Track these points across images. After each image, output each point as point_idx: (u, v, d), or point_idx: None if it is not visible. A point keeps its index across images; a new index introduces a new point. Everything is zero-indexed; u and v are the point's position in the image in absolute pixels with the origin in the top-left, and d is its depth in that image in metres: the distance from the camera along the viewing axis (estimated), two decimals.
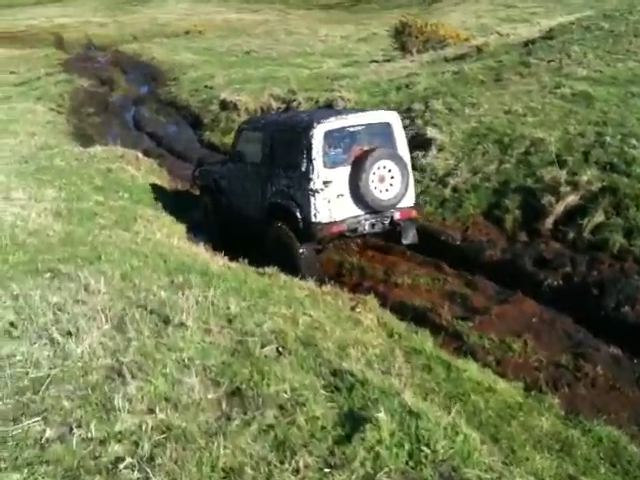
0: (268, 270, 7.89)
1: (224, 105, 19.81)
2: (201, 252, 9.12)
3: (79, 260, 7.39)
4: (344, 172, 8.26)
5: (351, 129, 8.45)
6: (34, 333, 4.48)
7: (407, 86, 15.71)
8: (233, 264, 8.59)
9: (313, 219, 8.21)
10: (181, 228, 10.62)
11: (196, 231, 10.65)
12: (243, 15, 47.72)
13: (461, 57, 18.89)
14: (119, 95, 24.86)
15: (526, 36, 20.45)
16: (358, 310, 6.49)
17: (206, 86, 23.07)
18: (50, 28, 45.62)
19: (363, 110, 10.02)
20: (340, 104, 15.80)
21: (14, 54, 34.44)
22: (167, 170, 14.77)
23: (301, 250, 8.40)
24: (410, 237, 8.73)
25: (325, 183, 8.17)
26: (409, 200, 8.69)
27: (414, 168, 10.77)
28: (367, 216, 8.40)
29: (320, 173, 8.17)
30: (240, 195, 9.88)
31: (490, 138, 10.68)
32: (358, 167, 8.16)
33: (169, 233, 9.88)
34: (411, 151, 11.32)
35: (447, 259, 8.45)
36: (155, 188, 12.62)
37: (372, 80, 18.08)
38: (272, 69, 25.26)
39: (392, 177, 8.32)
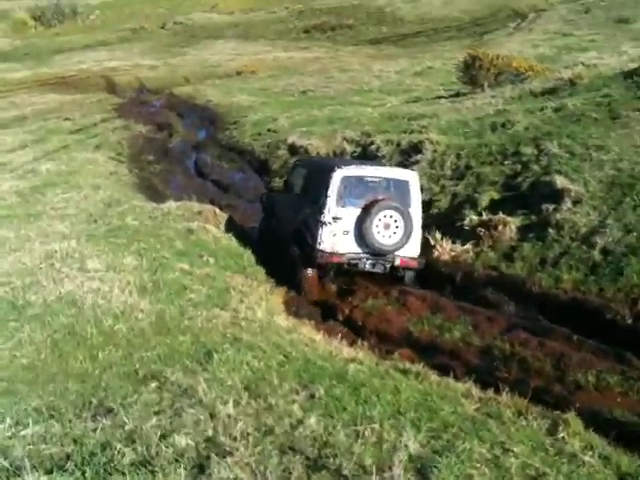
0: (411, 367, 6.42)
1: (293, 150, 18.56)
2: (313, 334, 7.74)
3: (185, 359, 6.07)
4: (354, 213, 9.33)
5: (368, 179, 9.61)
6: None
7: (503, 125, 14.18)
8: (357, 351, 7.19)
9: (317, 246, 9.38)
10: (277, 298, 9.33)
11: (294, 301, 9.45)
12: (292, 53, 46.91)
13: (551, 91, 17.22)
14: (178, 140, 23.73)
15: (617, 67, 18.81)
16: (560, 435, 4.94)
17: (269, 129, 21.86)
18: (100, 72, 45.32)
19: (388, 166, 11.67)
20: (428, 147, 14.37)
21: (67, 99, 33.73)
22: (240, 221, 13.49)
23: (305, 272, 9.52)
24: (408, 281, 9.69)
25: (335, 219, 9.36)
26: (413, 250, 9.51)
27: (547, 224, 9.36)
28: (368, 256, 9.41)
29: (332, 209, 9.38)
30: (282, 219, 11.16)
31: (638, 189, 9.08)
32: (366, 211, 9.25)
33: (269, 309, 8.56)
34: (537, 204, 9.91)
35: (622, 344, 6.84)
36: (237, 247, 11.32)
37: (456, 119, 16.57)
38: (335, 109, 23.97)
39: (397, 227, 9.27)
